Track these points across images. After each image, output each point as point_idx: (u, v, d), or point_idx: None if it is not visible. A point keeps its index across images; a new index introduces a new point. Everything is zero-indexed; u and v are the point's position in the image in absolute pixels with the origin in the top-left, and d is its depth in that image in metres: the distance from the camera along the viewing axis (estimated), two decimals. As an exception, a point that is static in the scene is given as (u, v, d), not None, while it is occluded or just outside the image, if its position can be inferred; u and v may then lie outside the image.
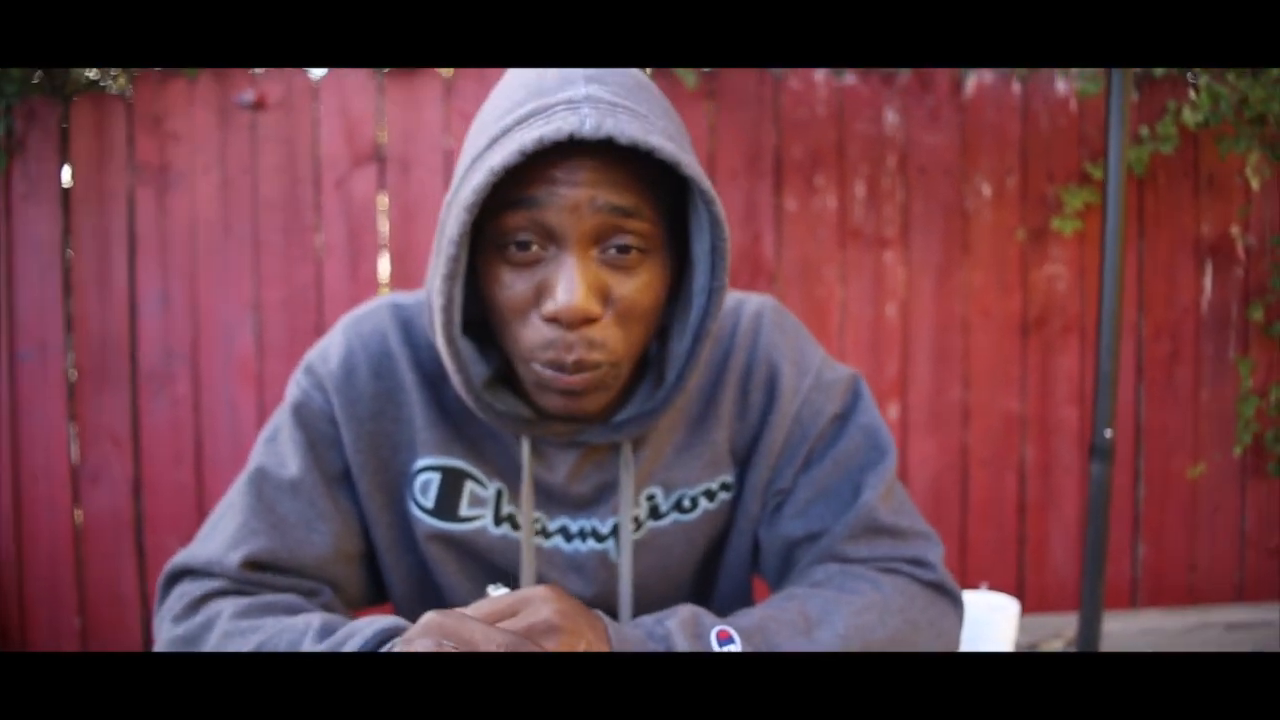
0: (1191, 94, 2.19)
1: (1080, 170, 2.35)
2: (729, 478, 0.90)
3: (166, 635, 0.77)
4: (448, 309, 0.73)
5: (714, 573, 0.95)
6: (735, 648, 0.72)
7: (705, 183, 0.71)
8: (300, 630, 0.71)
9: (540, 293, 0.71)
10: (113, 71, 2.24)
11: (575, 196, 0.69)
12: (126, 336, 2.27)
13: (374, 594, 0.91)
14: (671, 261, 0.79)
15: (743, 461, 0.90)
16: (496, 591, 0.85)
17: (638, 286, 0.73)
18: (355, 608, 0.89)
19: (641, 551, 0.87)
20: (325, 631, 0.70)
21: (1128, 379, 2.41)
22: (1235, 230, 2.40)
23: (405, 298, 0.89)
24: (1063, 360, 2.40)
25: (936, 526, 2.34)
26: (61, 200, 2.25)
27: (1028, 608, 2.40)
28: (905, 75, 2.32)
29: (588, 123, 0.66)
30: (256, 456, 0.84)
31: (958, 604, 0.89)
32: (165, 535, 2.29)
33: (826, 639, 0.76)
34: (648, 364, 0.84)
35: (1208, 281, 2.42)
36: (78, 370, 2.26)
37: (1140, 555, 2.42)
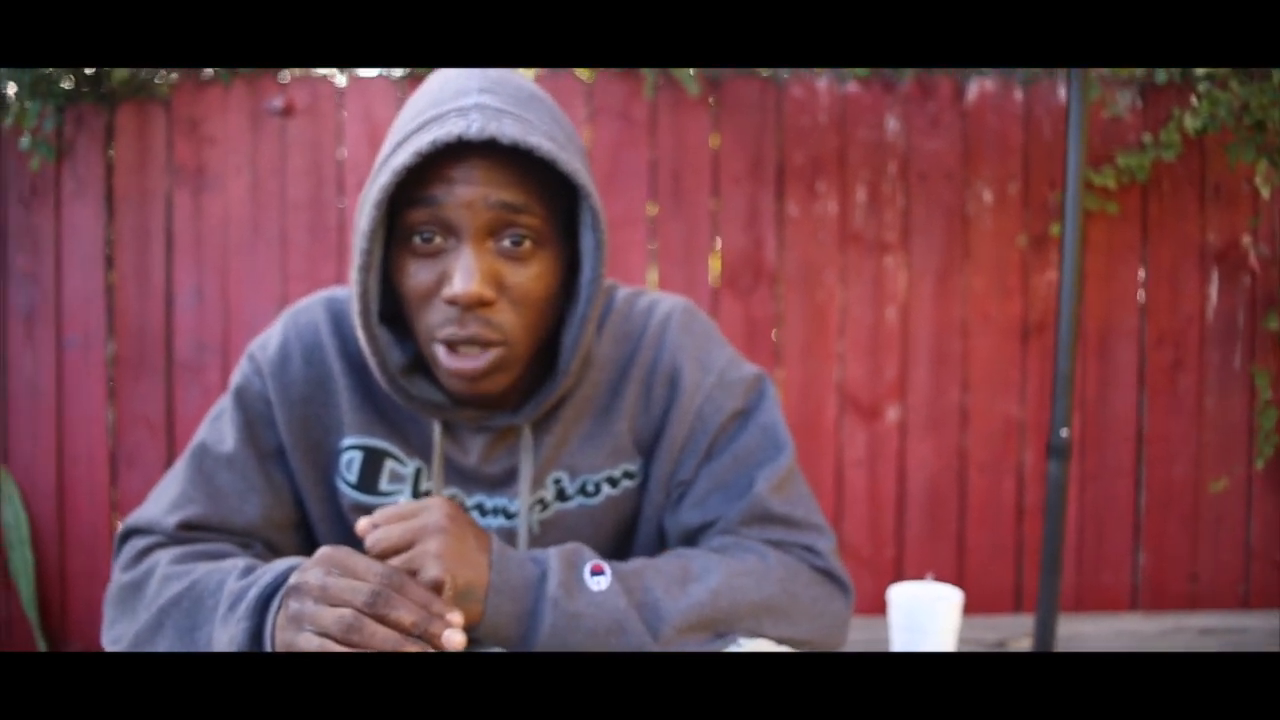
0: (1194, 100, 2.18)
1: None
2: (632, 466, 0.97)
3: (116, 581, 0.88)
4: (364, 298, 0.82)
5: (625, 557, 1.03)
6: (605, 580, 0.81)
7: (584, 178, 0.79)
8: (227, 570, 0.81)
9: (441, 280, 0.81)
10: (157, 77, 2.39)
11: (470, 194, 0.78)
12: (163, 328, 2.42)
13: None
14: (566, 256, 0.87)
15: (647, 453, 0.97)
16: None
17: (530, 275, 0.82)
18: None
19: (548, 531, 0.95)
20: (246, 570, 0.80)
21: (1129, 386, 2.41)
22: (1247, 240, 2.38)
23: (340, 292, 0.99)
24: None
25: (933, 529, 2.39)
26: (106, 199, 2.40)
27: (1022, 609, 2.41)
28: (907, 82, 2.34)
29: (474, 126, 0.76)
30: (201, 432, 0.94)
31: (846, 592, 0.95)
32: (193, 516, 2.42)
33: (697, 591, 0.84)
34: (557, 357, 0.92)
35: (1213, 290, 2.40)
36: (117, 360, 2.42)
37: (1140, 563, 2.42)
